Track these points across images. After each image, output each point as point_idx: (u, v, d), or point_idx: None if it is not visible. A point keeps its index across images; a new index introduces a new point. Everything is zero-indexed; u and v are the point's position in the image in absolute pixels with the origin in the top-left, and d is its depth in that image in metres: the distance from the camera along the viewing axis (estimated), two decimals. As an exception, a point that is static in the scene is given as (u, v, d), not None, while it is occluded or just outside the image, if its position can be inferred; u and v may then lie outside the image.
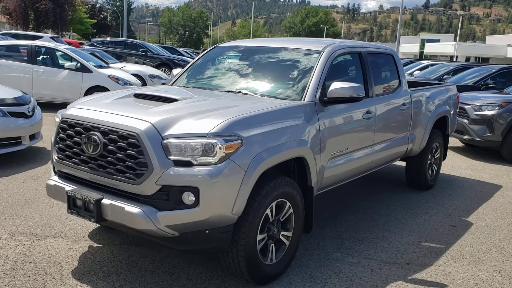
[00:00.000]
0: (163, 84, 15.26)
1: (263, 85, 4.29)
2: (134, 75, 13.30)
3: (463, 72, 13.58)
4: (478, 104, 8.70)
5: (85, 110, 3.50)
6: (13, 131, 6.23)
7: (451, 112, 6.67)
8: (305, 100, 3.95)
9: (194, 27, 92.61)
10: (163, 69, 18.77)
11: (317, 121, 3.90)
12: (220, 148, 3.05)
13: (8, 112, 6.23)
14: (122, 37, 39.28)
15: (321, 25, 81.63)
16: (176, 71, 5.06)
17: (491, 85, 11.53)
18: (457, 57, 60.12)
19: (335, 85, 3.98)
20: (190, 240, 3.20)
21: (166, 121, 3.17)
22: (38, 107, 7.06)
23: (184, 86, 4.64)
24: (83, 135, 3.32)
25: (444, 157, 6.84)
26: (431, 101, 6.06)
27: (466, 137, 8.76)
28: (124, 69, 13.75)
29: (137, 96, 3.83)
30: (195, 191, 3.03)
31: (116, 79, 11.10)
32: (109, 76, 11.10)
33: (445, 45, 71.75)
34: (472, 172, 7.68)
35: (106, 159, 3.22)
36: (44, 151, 7.18)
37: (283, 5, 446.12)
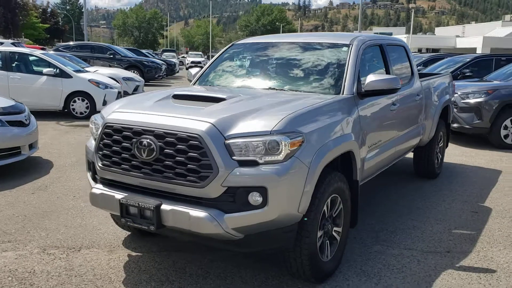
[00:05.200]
0: (137, 86, 14.96)
1: (299, 81, 4.23)
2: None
3: (436, 63, 13.93)
4: (465, 93, 8.94)
5: (131, 113, 3.34)
6: (12, 141, 5.92)
7: (451, 101, 6.82)
8: (344, 94, 3.92)
9: (149, 28, 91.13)
10: (133, 71, 18.38)
11: (358, 114, 3.88)
12: (285, 145, 2.97)
13: (6, 121, 5.91)
14: (74, 41, 38.23)
15: (276, 23, 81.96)
16: (194, 71, 4.93)
17: (468, 74, 11.88)
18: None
19: (371, 78, 3.98)
20: (254, 241, 3.12)
21: (226, 121, 3.07)
22: (32, 115, 6.75)
23: (211, 86, 4.52)
24: (134, 140, 3.17)
25: (446, 145, 6.98)
26: (437, 91, 6.17)
27: (455, 125, 8.97)
28: (98, 73, 13.36)
29: (177, 97, 3.70)
30: (262, 191, 2.94)
31: (97, 83, 10.77)
32: (89, 80, 10.76)
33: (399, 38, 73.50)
34: (467, 158, 7.89)
35: (163, 163, 3.08)
36: (42, 161, 6.87)
37: (235, 4, 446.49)
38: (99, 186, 3.44)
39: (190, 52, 54.75)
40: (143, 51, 29.80)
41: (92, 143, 3.66)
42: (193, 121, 3.06)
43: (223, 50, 4.96)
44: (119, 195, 3.25)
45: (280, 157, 2.98)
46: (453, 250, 4.18)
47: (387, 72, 4.71)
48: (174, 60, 31.85)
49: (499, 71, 10.41)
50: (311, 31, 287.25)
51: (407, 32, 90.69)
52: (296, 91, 4.06)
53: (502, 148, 8.77)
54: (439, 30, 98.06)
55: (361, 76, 4.14)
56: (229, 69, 4.80)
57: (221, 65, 4.85)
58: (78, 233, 4.33)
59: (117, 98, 11.20)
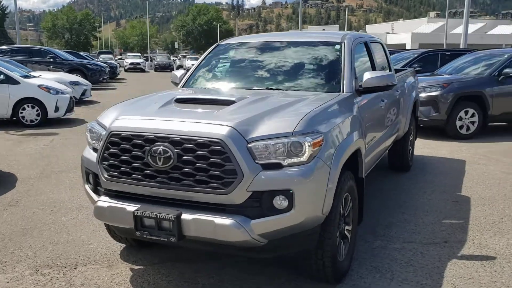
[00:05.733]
0: (85, 90, 14.37)
1: (296, 81, 4.17)
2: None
3: (384, 59, 14.35)
4: (422, 86, 9.25)
5: (139, 120, 3.16)
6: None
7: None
8: (344, 91, 3.92)
9: (81, 30, 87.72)
10: (76, 74, 17.60)
11: (358, 112, 3.89)
12: (308, 146, 2.91)
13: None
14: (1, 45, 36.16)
15: (213, 23, 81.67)
16: (179, 73, 4.74)
17: (417, 68, 12.31)
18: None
19: (369, 75, 3.99)
20: (278, 246, 3.03)
21: (245, 124, 2.97)
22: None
23: (203, 88, 4.37)
24: (146, 148, 2.99)
25: (415, 138, 7.19)
26: (409, 86, 6.34)
27: (414, 118, 9.27)
28: (43, 78, 12.69)
29: (180, 101, 3.53)
30: (288, 194, 2.87)
31: (48, 89, 10.22)
32: (39, 86, 10.17)
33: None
34: (430, 150, 8.17)
35: (181, 170, 2.93)
36: (3, 174, 6.39)
37: (168, 4, 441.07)
38: (105, 198, 3.22)
39: (128, 54, 53.31)
40: (82, 53, 28.66)
41: (90, 153, 3.43)
42: (213, 125, 2.93)
43: (208, 51, 4.81)
44: (131, 206, 3.06)
45: (304, 158, 2.92)
46: (449, 240, 4.29)
47: (373, 68, 4.77)
48: (114, 62, 30.86)
49: (448, 66, 10.88)
50: (246, 30, 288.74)
51: (341, 29, 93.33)
52: (295, 90, 4.00)
53: (458, 138, 9.17)
54: (369, 27, 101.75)
55: (356, 73, 4.15)
56: (219, 70, 4.66)
57: (209, 66, 4.71)
58: (68, 249, 4.05)
59: (69, 103, 10.68)
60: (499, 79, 9.35)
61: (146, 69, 43.86)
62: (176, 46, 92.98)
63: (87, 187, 3.46)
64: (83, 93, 13.96)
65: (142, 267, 3.75)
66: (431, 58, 12.94)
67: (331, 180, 3.05)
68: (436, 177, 6.40)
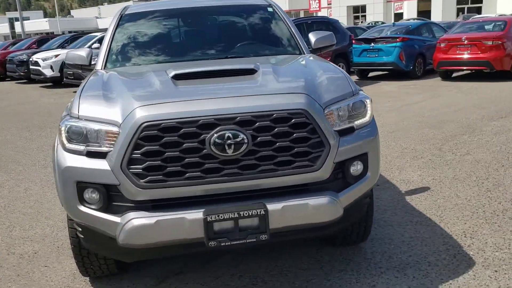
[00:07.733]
0: None
1: (256, 45, 3.81)
2: None
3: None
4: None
5: (178, 104, 2.44)
6: None
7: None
8: (305, 53, 3.79)
9: None
10: None
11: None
12: (369, 105, 2.80)
13: None
14: None
15: None
16: (84, 52, 3.70)
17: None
18: (53, 32, 58.53)
19: (316, 35, 3.96)
20: (344, 218, 2.75)
21: (310, 89, 2.63)
22: None
23: (147, 64, 3.55)
24: (205, 136, 2.35)
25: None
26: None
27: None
28: None
29: (182, 77, 2.82)
30: (364, 158, 2.71)
31: None
32: None
33: (40, 22, 69.81)
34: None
35: (257, 155, 2.42)
36: None
37: None
38: (141, 214, 2.41)
39: None
40: None
41: (82, 161, 2.49)
42: (287, 95, 2.53)
43: (115, 24, 3.83)
44: (191, 213, 2.39)
45: (367, 118, 2.80)
46: (379, 183, 4.63)
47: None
48: None
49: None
50: None
51: (46, 16, 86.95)
52: (268, 55, 3.65)
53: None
54: (76, 12, 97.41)
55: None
56: (149, 43, 3.77)
57: (129, 40, 3.75)
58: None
59: None
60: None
61: None
62: None
63: (84, 208, 2.51)
64: None
65: (151, 291, 2.98)
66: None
67: (378, 137, 2.99)
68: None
